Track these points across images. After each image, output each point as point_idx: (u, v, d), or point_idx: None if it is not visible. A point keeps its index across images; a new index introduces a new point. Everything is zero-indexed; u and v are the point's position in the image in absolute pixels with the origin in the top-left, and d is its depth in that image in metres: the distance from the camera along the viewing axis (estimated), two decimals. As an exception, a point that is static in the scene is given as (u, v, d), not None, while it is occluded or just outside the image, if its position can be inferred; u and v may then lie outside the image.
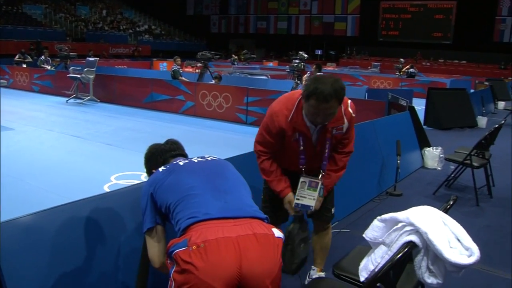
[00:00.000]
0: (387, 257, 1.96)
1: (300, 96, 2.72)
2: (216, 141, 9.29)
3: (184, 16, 46.90)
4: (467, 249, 1.85)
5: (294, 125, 2.76)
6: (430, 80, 21.39)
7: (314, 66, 12.78)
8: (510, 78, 24.82)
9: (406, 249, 1.90)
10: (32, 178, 6.12)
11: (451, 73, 29.37)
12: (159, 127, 10.32)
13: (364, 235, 2.17)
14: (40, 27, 31.54)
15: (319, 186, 2.83)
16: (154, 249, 2.15)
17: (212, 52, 14.54)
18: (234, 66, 20.00)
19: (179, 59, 13.91)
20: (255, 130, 10.62)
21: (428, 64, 33.53)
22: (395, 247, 1.94)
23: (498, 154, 7.61)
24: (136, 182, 6.02)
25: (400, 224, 1.97)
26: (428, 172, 7.23)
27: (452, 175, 6.21)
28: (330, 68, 29.31)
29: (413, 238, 1.90)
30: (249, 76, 18.41)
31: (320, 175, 2.87)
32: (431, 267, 1.90)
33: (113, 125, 10.17)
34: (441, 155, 7.43)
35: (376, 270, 1.97)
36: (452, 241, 1.86)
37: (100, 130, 9.41)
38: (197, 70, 15.98)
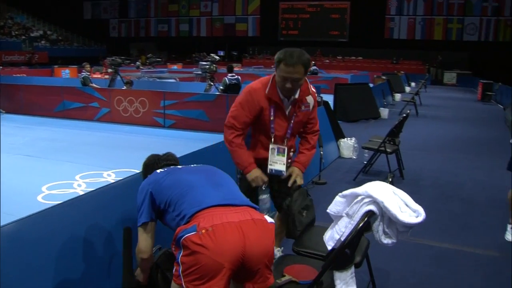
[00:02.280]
0: (350, 226, 2.32)
1: (269, 77, 3.15)
2: (137, 145, 9.34)
3: (82, 21, 45.28)
4: (414, 211, 2.26)
5: (270, 96, 3.12)
6: (332, 76, 22.54)
7: (227, 66, 13.12)
8: (403, 72, 26.83)
9: (366, 218, 2.28)
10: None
11: (350, 68, 31.10)
12: (77, 135, 10.15)
13: (328, 210, 2.53)
14: None
15: (286, 151, 3.21)
16: (147, 241, 2.38)
17: (122, 57, 14.39)
18: (142, 70, 19.83)
19: (88, 66, 13.66)
20: (173, 133, 10.99)
21: (327, 61, 35.18)
22: (357, 217, 2.31)
23: (402, 141, 8.41)
24: (70, 190, 6.06)
25: (359, 197, 2.34)
26: (344, 161, 7.84)
27: (367, 162, 6.83)
28: (236, 68, 29.78)
29: (372, 207, 2.28)
30: (157, 80, 18.37)
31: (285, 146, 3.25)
32: (386, 230, 2.30)
33: (28, 136, 9.85)
34: (355, 145, 8.08)
35: (343, 238, 2.33)
36: (402, 206, 2.27)
37: (16, 142, 9.08)
38: (106, 76, 15.73)
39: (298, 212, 3.09)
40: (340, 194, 2.47)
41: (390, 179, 2.74)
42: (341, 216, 2.43)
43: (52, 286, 2.40)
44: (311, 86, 3.29)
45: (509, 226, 4.43)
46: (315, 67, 24.13)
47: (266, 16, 39.47)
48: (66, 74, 24.59)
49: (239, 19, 40.88)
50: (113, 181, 6.52)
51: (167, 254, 2.88)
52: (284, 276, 2.54)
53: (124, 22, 45.24)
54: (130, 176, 3.26)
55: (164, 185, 2.32)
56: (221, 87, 12.13)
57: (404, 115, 6.60)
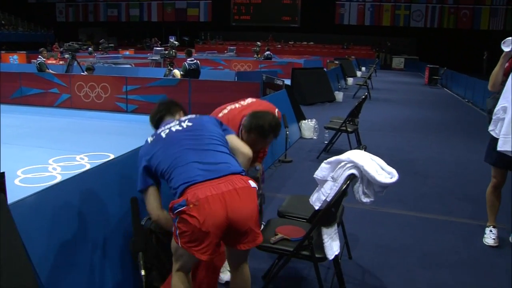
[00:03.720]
0: (335, 188, 2.71)
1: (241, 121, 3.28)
2: (103, 130, 9.47)
3: (26, 4, 43.70)
4: (389, 173, 2.67)
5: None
6: (286, 61, 22.95)
7: (185, 51, 13.29)
8: (353, 57, 27.64)
9: (348, 181, 2.67)
10: None
11: (302, 54, 31.65)
12: (40, 121, 10.15)
13: (314, 176, 2.90)
14: None
15: None
16: (150, 205, 2.67)
17: (80, 42, 14.26)
18: (96, 56, 19.60)
19: (45, 52, 13.50)
20: (137, 118, 11.18)
21: (279, 46, 35.61)
22: (341, 180, 2.70)
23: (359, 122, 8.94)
24: (46, 174, 6.20)
25: (343, 163, 2.73)
26: (306, 141, 8.28)
27: (328, 141, 7.28)
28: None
29: (354, 171, 2.67)
30: (113, 66, 18.24)
31: None
32: (365, 190, 2.70)
33: (-11, 123, 9.77)
34: (315, 126, 8.54)
35: (329, 199, 2.72)
36: (379, 170, 2.67)
37: (-23, 129, 9.02)
38: (61, 62, 15.53)
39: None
40: (325, 161, 2.85)
41: (363, 150, 3.14)
42: (326, 180, 2.81)
43: (70, 251, 2.66)
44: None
45: (487, 230, 4.21)
46: (268, 52, 24.56)
47: (218, 1, 39.38)
48: (14, 60, 23.90)
49: (190, 4, 40.59)
50: (87, 164, 6.72)
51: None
52: (277, 234, 2.90)
53: (72, 6, 43.96)
54: (132, 151, 3.46)
55: (154, 157, 2.58)
56: (181, 72, 12.30)
57: (363, 97, 7.08)
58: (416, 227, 4.57)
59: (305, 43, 36.55)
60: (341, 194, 2.67)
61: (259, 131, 3.06)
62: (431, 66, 21.65)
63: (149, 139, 2.73)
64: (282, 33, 37.53)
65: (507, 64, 3.88)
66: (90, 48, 20.96)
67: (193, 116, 2.78)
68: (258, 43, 25.50)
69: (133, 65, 18.65)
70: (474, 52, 30.68)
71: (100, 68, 16.09)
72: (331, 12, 36.99)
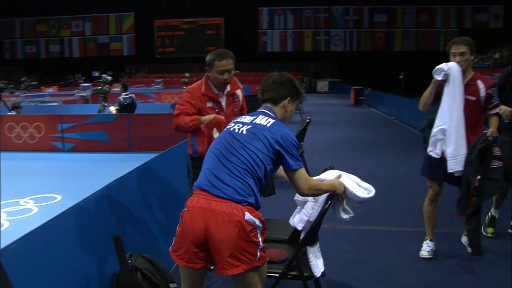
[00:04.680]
0: (317, 208, 2.87)
1: (202, 79, 3.82)
2: (39, 170, 9.19)
3: None
4: (366, 189, 2.88)
5: (206, 93, 3.73)
6: (216, 90, 23.15)
7: (120, 85, 13.19)
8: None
9: (330, 200, 2.85)
10: None
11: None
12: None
13: (295, 198, 3.05)
14: None
15: None
16: None
17: (5, 81, 13.74)
18: (22, 95, 18.94)
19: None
20: (75, 156, 10.89)
21: (206, 76, 35.87)
22: (322, 199, 2.86)
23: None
24: None
25: (323, 183, 2.90)
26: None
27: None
28: (116, 88, 29.37)
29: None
30: (40, 104, 17.71)
31: None
32: (345, 206, 2.88)
33: None
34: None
35: (311, 219, 2.87)
36: (356, 186, 2.87)
37: None
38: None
39: None
40: None
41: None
42: (307, 201, 2.96)
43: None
44: (238, 82, 3.96)
45: (424, 243, 4.36)
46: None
47: (141, 35, 39.32)
48: None
49: (113, 38, 40.24)
50: (34, 208, 6.50)
51: (142, 257, 3.23)
52: (262, 258, 3.00)
53: (-14, 44, 42.24)
54: (103, 188, 3.44)
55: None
56: (117, 107, 12.18)
57: (307, 120, 7.37)
58: (374, 239, 4.82)
59: (230, 71, 37.05)
60: (323, 214, 2.83)
61: (219, 55, 3.64)
62: (356, 87, 22.68)
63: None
64: (207, 63, 37.88)
65: None
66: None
67: (259, 124, 2.60)
68: (187, 74, 25.72)
69: (61, 102, 18.21)
70: (391, 72, 32.44)
71: (28, 107, 15.56)
72: (254, 40, 38.01)
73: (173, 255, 2.53)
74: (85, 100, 19.68)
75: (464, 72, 3.97)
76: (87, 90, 21.48)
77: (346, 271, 4.07)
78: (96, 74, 38.80)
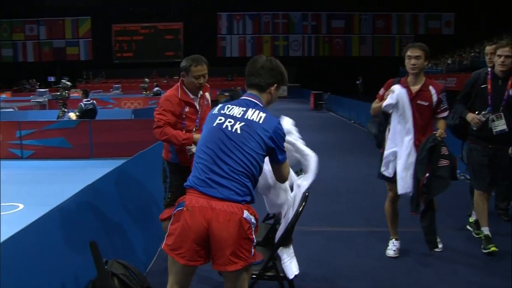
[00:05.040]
0: (292, 212, 2.96)
1: (177, 85, 3.91)
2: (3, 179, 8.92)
3: None
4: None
5: (183, 98, 3.84)
6: (176, 95, 23.04)
7: (81, 92, 12.98)
8: (239, 88, 28.53)
9: (304, 202, 2.94)
10: None
11: (188, 87, 31.92)
12: None
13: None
14: None
15: None
16: None
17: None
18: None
19: None
20: (34, 164, 10.60)
21: (165, 81, 35.64)
22: (297, 199, 2.95)
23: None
24: None
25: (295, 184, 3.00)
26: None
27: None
28: (75, 94, 28.81)
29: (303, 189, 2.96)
30: (-7, 111, 17.18)
31: None
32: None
33: None
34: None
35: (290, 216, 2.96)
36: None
37: None
38: None
39: None
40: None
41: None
42: (268, 186, 3.00)
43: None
44: (207, 84, 4.10)
45: (390, 242, 4.52)
46: (157, 88, 24.52)
47: (99, 39, 38.76)
48: None
49: (69, 43, 39.51)
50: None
51: (118, 262, 3.24)
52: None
53: None
54: (75, 195, 3.42)
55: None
56: (77, 113, 11.98)
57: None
58: (341, 240, 4.96)
59: (190, 77, 36.93)
60: (298, 216, 2.92)
61: (195, 61, 3.81)
62: (315, 92, 23.02)
63: (215, 109, 2.73)
64: (166, 68, 37.72)
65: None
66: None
67: (251, 121, 2.59)
68: (146, 79, 25.49)
69: (16, 108, 17.72)
70: (348, 76, 33.13)
71: (-19, 115, 15.07)
72: (213, 45, 38.05)
73: (171, 253, 2.53)
74: (41, 106, 19.24)
75: (416, 76, 4.15)
76: (44, 96, 21.01)
77: (316, 271, 4.16)
78: (52, 79, 37.87)
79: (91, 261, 3.18)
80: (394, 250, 4.46)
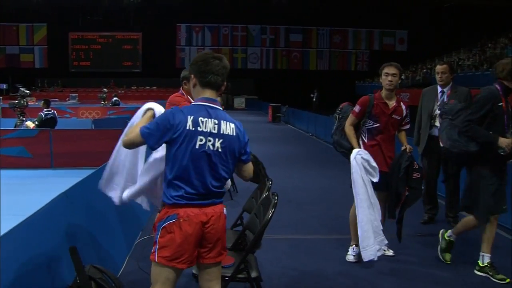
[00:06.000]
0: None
1: (179, 92, 4.47)
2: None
3: None
4: None
5: (190, 101, 4.07)
6: (135, 106, 22.92)
7: (42, 101, 12.80)
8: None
9: (274, 209, 3.17)
10: None
11: (145, 98, 31.51)
12: None
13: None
14: None
15: None
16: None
17: None
18: None
19: None
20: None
21: (122, 91, 35.28)
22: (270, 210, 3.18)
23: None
24: None
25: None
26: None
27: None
28: (31, 102, 28.15)
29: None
30: None
31: None
32: None
33: None
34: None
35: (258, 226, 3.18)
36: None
37: None
38: None
39: None
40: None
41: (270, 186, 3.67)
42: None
43: None
44: None
45: (350, 248, 4.77)
46: (116, 98, 24.32)
47: (55, 47, 37.96)
48: None
49: (23, 50, 38.47)
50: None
51: (94, 267, 3.37)
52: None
53: None
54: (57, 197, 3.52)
55: (174, 152, 2.63)
56: (36, 122, 11.83)
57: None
58: (305, 247, 5.22)
59: (148, 87, 36.83)
60: (267, 223, 3.15)
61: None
62: (273, 104, 23.42)
63: (189, 124, 2.61)
64: (124, 78, 37.43)
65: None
66: None
67: (227, 135, 2.71)
68: (105, 89, 25.24)
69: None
70: (305, 90, 33.73)
71: None
72: (172, 56, 38.04)
73: (170, 263, 2.62)
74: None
75: (391, 92, 4.60)
76: (-3, 104, 20.51)
77: (282, 277, 4.39)
78: (3, 86, 36.80)
79: (66, 267, 3.31)
80: (354, 255, 4.75)
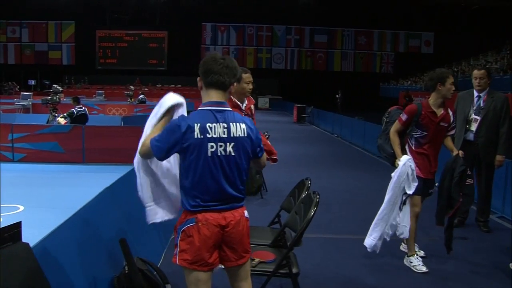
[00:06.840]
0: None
1: None
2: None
3: None
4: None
5: (233, 105, 4.44)
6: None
7: (72, 98, 13.11)
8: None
9: (316, 207, 3.26)
10: None
11: (171, 96, 31.99)
12: None
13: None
14: None
15: None
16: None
17: None
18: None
19: None
20: (26, 167, 10.62)
21: (147, 89, 35.70)
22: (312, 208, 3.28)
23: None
24: None
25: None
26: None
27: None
28: (62, 98, 28.65)
29: None
30: (-23, 113, 17.13)
31: None
32: None
33: None
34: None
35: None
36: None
37: None
38: None
39: (254, 173, 4.39)
40: None
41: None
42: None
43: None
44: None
45: (414, 259, 4.70)
46: (142, 95, 24.62)
47: (82, 44, 38.67)
48: None
49: (52, 47, 39.28)
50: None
51: (140, 259, 3.53)
52: (253, 259, 3.37)
53: None
54: (104, 190, 3.67)
55: (187, 162, 2.62)
56: (67, 118, 12.12)
57: (266, 136, 7.81)
58: (336, 246, 5.31)
59: (172, 85, 37.14)
60: (309, 221, 3.25)
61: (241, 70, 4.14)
62: (299, 105, 23.45)
63: (196, 133, 2.57)
64: (149, 76, 37.87)
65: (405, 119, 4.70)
66: None
67: (238, 138, 2.67)
68: (132, 87, 25.55)
69: (1, 111, 17.69)
70: (329, 90, 33.72)
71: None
72: (197, 55, 38.25)
73: (191, 266, 2.64)
74: (25, 110, 19.23)
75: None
76: (28, 99, 20.97)
77: (318, 275, 4.49)
78: (32, 82, 37.60)
79: (113, 259, 3.46)
80: (422, 264, 4.65)
